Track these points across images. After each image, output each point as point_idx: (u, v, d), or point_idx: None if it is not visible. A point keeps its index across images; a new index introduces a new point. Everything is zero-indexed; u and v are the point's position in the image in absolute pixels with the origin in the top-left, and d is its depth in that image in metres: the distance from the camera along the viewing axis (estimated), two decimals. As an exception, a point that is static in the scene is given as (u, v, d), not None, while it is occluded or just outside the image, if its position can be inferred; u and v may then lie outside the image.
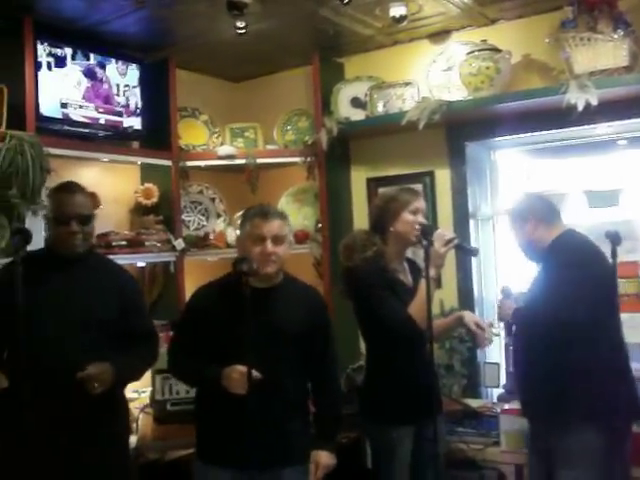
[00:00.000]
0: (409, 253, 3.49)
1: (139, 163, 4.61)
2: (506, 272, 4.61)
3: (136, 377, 3.25)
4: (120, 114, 4.38)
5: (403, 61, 4.77)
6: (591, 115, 3.85)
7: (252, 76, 5.39)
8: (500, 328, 4.28)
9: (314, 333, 3.02)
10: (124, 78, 4.41)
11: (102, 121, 4.27)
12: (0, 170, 3.55)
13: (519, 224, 3.36)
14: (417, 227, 3.21)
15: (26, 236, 2.63)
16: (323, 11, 4.09)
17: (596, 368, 3.12)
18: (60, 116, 4.02)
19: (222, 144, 4.92)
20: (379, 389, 3.34)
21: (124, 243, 4.20)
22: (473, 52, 4.24)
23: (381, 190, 4.49)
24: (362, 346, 3.87)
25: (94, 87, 4.22)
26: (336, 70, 4.98)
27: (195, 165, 4.79)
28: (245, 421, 2.67)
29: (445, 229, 3.26)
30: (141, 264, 4.50)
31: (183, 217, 4.78)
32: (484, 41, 4.29)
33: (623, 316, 3.21)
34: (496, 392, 4.37)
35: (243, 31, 3.93)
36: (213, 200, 5.04)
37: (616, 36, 3.86)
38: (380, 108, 4.63)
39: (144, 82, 4.52)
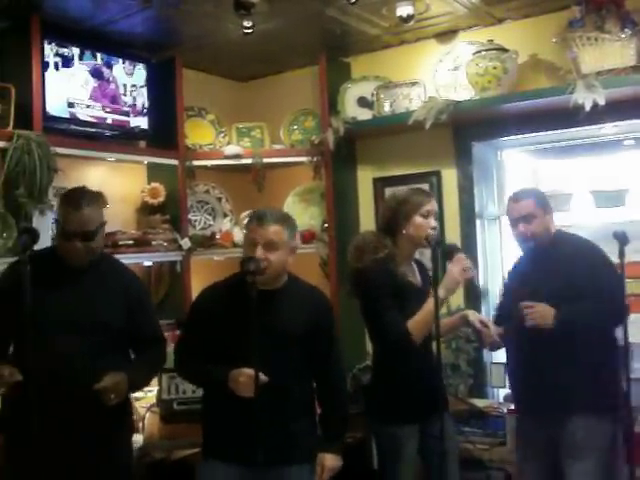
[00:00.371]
0: (416, 254, 3.48)
1: (146, 162, 4.61)
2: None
3: (147, 383, 3.27)
4: (127, 114, 4.39)
5: (410, 61, 4.77)
6: (598, 115, 3.84)
7: (259, 76, 5.40)
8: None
9: (319, 334, 3.01)
10: (131, 78, 4.42)
11: (109, 121, 4.28)
12: (7, 169, 3.56)
13: (542, 212, 3.34)
14: (431, 235, 3.23)
15: (33, 235, 2.63)
16: (330, 11, 4.09)
17: (612, 354, 3.25)
18: (67, 116, 4.03)
19: (229, 144, 4.92)
20: (385, 388, 3.34)
21: (131, 242, 4.21)
22: (480, 52, 4.24)
23: (391, 190, 4.46)
24: (369, 346, 3.88)
25: (101, 87, 4.23)
26: (343, 70, 4.98)
27: (202, 164, 4.79)
28: (251, 421, 2.68)
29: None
30: (148, 263, 4.51)
31: (189, 216, 4.78)
32: (491, 41, 4.28)
33: (630, 316, 3.20)
34: (502, 392, 4.37)
35: (250, 31, 3.93)
36: (219, 199, 5.05)
37: (623, 36, 3.85)
38: (387, 108, 4.63)
39: (151, 82, 4.53)
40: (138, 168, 4.67)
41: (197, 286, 3.89)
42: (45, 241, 3.27)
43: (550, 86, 4.15)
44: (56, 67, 3.97)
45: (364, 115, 4.75)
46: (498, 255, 4.73)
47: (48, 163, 3.66)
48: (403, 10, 4.02)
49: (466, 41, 4.55)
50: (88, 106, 4.14)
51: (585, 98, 3.77)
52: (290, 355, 2.92)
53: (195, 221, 4.91)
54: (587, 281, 3.16)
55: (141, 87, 4.49)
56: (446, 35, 4.64)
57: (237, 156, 4.76)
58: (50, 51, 3.94)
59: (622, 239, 3.02)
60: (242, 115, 5.19)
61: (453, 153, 4.63)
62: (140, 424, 3.94)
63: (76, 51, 4.08)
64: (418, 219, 3.25)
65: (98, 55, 4.22)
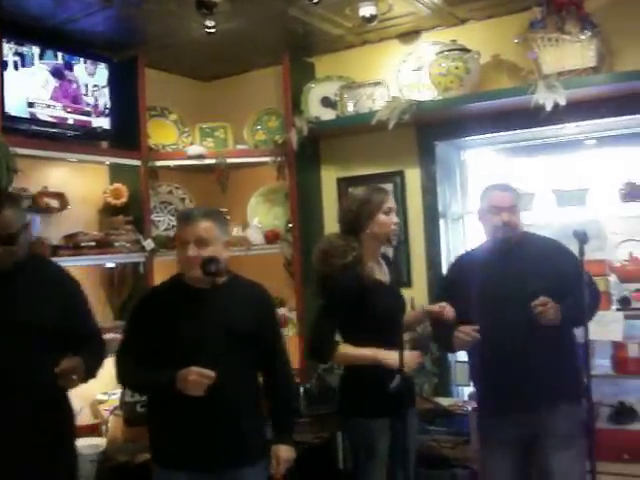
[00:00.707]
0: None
1: (108, 163, 4.56)
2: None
3: (96, 372, 3.16)
4: (89, 114, 4.34)
5: (373, 61, 4.78)
6: (559, 115, 3.89)
7: (222, 75, 5.37)
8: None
9: (263, 329, 3.02)
10: (93, 78, 4.37)
11: (70, 121, 4.23)
12: (-34, 170, 3.50)
13: (518, 207, 3.36)
14: (394, 230, 3.34)
15: None
16: (292, 11, 4.08)
17: (575, 347, 3.29)
18: (27, 116, 3.97)
19: (192, 144, 4.89)
20: (356, 383, 3.38)
21: (93, 244, 4.15)
22: (443, 52, 4.27)
23: (350, 191, 4.47)
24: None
25: (62, 87, 4.18)
26: (306, 70, 4.97)
27: (165, 165, 4.75)
28: (199, 423, 2.74)
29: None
30: (110, 265, 4.46)
31: (153, 217, 4.74)
32: (454, 41, 4.31)
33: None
34: (467, 390, 4.40)
35: (212, 30, 3.90)
36: (183, 200, 5.01)
37: (583, 37, 3.91)
38: (350, 108, 4.64)
39: (113, 82, 4.48)
40: (100, 169, 4.61)
41: (160, 287, 3.87)
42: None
43: (512, 86, 4.20)
44: (15, 66, 3.91)
45: (328, 115, 4.75)
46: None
47: (8, 164, 3.58)
48: (366, 10, 4.03)
49: (429, 41, 4.57)
50: (49, 106, 4.08)
51: (546, 98, 3.82)
52: (236, 352, 2.90)
53: (158, 222, 4.87)
54: (566, 277, 3.18)
55: (103, 87, 4.43)
56: (409, 35, 4.66)
57: (200, 156, 4.73)
58: (9, 50, 3.88)
59: (582, 238, 3.05)
60: (205, 115, 5.17)
61: (416, 153, 4.65)
62: (103, 427, 3.92)
63: (36, 50, 4.02)
64: (381, 217, 3.31)
65: (59, 54, 4.16)
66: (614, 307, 3.92)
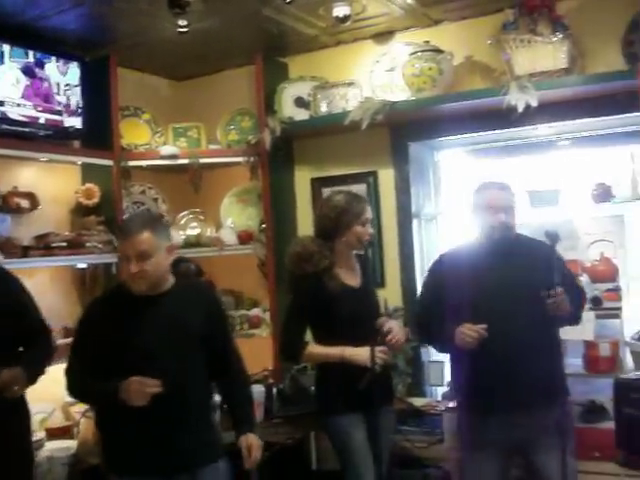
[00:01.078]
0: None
1: (80, 163, 4.51)
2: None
3: (43, 372, 3.18)
4: (60, 113, 4.29)
5: (347, 61, 4.78)
6: (531, 116, 3.91)
7: (195, 75, 5.35)
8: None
9: (213, 329, 3.02)
10: (64, 77, 4.32)
11: (42, 120, 4.18)
12: None
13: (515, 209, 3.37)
14: (367, 240, 3.42)
15: None
16: (266, 10, 4.07)
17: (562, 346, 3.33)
18: (-3, 114, 3.93)
19: (165, 144, 4.86)
20: (327, 381, 3.45)
21: (64, 244, 4.11)
22: (416, 53, 4.28)
23: (328, 191, 4.43)
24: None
25: (33, 85, 4.13)
26: (280, 70, 4.96)
27: (137, 165, 4.71)
28: (152, 428, 2.74)
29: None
30: (82, 265, 4.41)
31: (125, 217, 4.70)
32: (427, 42, 4.32)
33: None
34: (440, 390, 4.41)
35: (185, 30, 3.88)
36: (156, 200, 4.97)
37: (555, 39, 3.94)
38: (324, 108, 4.64)
39: (85, 80, 4.43)
40: (72, 169, 4.56)
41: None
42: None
43: (485, 87, 4.22)
44: (-16, 65, 3.88)
45: (301, 115, 4.74)
46: (435, 254, 4.76)
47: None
48: (340, 11, 4.03)
49: (403, 42, 4.57)
50: (19, 105, 4.03)
51: (518, 99, 3.84)
52: (188, 357, 2.90)
53: (131, 222, 4.83)
54: (560, 273, 3.17)
55: (75, 86, 4.38)
56: (383, 36, 4.66)
57: (173, 156, 4.71)
58: (-22, 48, 3.84)
59: (554, 238, 3.07)
60: (178, 115, 5.14)
61: (390, 153, 4.65)
62: (75, 430, 3.88)
63: (6, 48, 3.97)
64: (358, 228, 3.39)
65: (30, 53, 4.11)
66: (586, 307, 3.94)
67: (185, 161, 4.76)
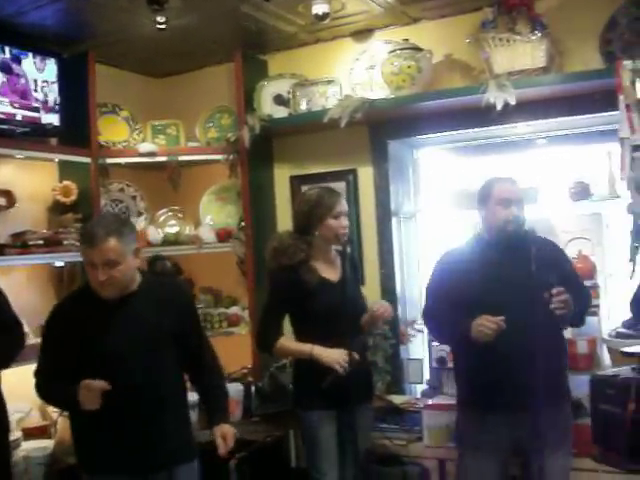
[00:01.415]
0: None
1: (57, 160, 4.48)
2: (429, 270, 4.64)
3: (7, 364, 3.21)
4: (38, 110, 4.25)
5: (326, 59, 4.78)
6: (510, 114, 3.92)
7: (174, 72, 5.32)
8: (422, 325, 4.35)
9: (184, 326, 3.02)
10: (42, 74, 4.28)
11: (19, 117, 4.13)
12: None
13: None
14: (342, 234, 3.41)
15: None
16: (245, 7, 4.06)
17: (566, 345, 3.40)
18: (-27, 111, 3.89)
19: (143, 141, 4.83)
20: (300, 377, 3.54)
21: (41, 242, 4.07)
22: (395, 51, 4.28)
23: (303, 191, 4.44)
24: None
25: (10, 82, 4.09)
26: (259, 67, 4.94)
27: (115, 162, 4.69)
28: (124, 428, 2.77)
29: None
30: (59, 263, 4.38)
31: (104, 215, 4.68)
32: (406, 40, 4.33)
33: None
34: (420, 388, 4.42)
35: (163, 26, 3.87)
36: (134, 198, 4.95)
37: (534, 37, 3.95)
38: (303, 106, 4.63)
39: (62, 77, 4.40)
40: (49, 166, 4.53)
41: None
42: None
43: (463, 86, 4.23)
44: (-40, 60, 3.84)
45: (280, 113, 4.73)
46: (414, 252, 4.79)
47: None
48: (319, 8, 4.03)
49: (382, 40, 4.57)
50: (-5, 101, 4.01)
51: (497, 98, 3.85)
52: (160, 354, 2.91)
53: (109, 220, 4.80)
54: (566, 275, 3.24)
55: (52, 83, 4.35)
56: (362, 34, 4.66)
57: (152, 154, 4.68)
58: (-46, 44, 3.80)
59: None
60: (157, 112, 5.10)
61: (369, 151, 4.65)
62: (52, 429, 3.86)
63: (-18, 44, 3.95)
64: (330, 221, 3.41)
65: (6, 49, 4.06)
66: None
67: (164, 158, 4.74)
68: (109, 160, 4.62)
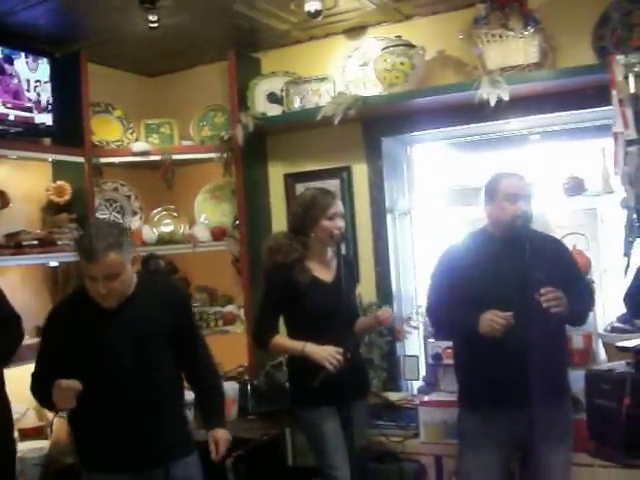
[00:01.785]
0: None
1: (50, 160, 4.47)
2: (424, 266, 4.65)
3: (7, 361, 3.24)
4: (30, 110, 4.24)
5: (319, 56, 4.77)
6: (503, 110, 3.92)
7: (168, 71, 5.31)
8: (419, 322, 4.36)
9: (181, 326, 3.03)
10: (34, 73, 4.27)
11: (12, 117, 4.12)
12: None
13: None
14: (337, 235, 3.42)
15: None
16: (237, 5, 4.06)
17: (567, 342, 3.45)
18: (-35, 111, 3.88)
19: (137, 140, 4.83)
20: (296, 375, 3.54)
21: (35, 242, 4.07)
22: (388, 48, 4.27)
23: (302, 187, 4.46)
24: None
25: (3, 82, 4.08)
26: (252, 65, 4.93)
27: (109, 162, 4.68)
28: (123, 426, 2.80)
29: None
30: (54, 264, 4.38)
31: (98, 215, 4.66)
32: (398, 37, 4.32)
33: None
34: (416, 384, 4.42)
35: (156, 25, 3.86)
36: (128, 197, 4.95)
37: (526, 33, 3.95)
38: (296, 103, 4.63)
39: (55, 77, 4.39)
40: (43, 166, 4.52)
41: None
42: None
43: (457, 82, 4.22)
44: (-48, 61, 3.82)
45: (274, 111, 4.72)
46: (409, 249, 4.79)
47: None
48: (311, 6, 4.02)
49: (375, 37, 4.57)
50: (-12, 102, 4.00)
51: (490, 93, 3.85)
52: (157, 354, 2.93)
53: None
54: (569, 271, 3.28)
55: (45, 83, 4.33)
56: (355, 31, 4.66)
57: (145, 153, 4.68)
58: (-55, 44, 3.79)
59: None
60: (151, 111, 5.09)
61: (363, 148, 4.65)
62: (48, 430, 3.85)
63: (-26, 44, 3.94)
64: (325, 222, 3.43)
65: (-2, 49, 4.08)
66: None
67: (158, 158, 4.73)
68: (103, 160, 4.61)
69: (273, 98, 4.77)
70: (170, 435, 2.91)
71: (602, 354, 3.96)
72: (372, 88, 4.46)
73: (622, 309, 3.74)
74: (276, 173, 4.96)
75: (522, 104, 4.00)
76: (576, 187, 4.12)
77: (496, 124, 4.24)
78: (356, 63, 4.61)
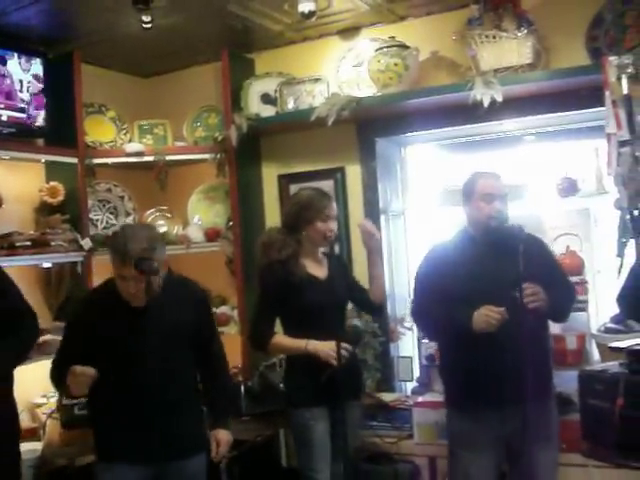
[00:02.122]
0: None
1: (43, 161, 4.45)
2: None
3: (21, 359, 3.20)
4: (23, 110, 4.24)
5: (313, 57, 4.77)
6: (497, 111, 3.93)
7: (161, 72, 5.30)
8: (412, 323, 4.36)
9: (202, 328, 3.13)
10: (27, 74, 4.26)
11: (4, 118, 4.11)
12: None
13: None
14: (329, 237, 3.46)
15: None
16: (231, 6, 4.06)
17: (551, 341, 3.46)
18: (-43, 112, 3.87)
19: (130, 141, 4.82)
20: (292, 374, 3.55)
21: (28, 243, 4.05)
22: (381, 48, 4.28)
23: (296, 187, 4.43)
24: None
25: (-5, 82, 4.08)
26: (246, 66, 4.93)
27: (102, 162, 4.66)
28: (144, 419, 2.87)
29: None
30: (47, 265, 4.36)
31: (91, 216, 4.65)
32: (392, 38, 4.32)
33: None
34: (410, 385, 4.42)
35: (149, 26, 3.85)
36: (122, 198, 4.93)
37: (520, 34, 3.96)
38: (290, 104, 4.62)
39: (48, 77, 4.38)
40: (36, 166, 4.50)
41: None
42: None
43: (450, 83, 4.22)
44: (-56, 61, 3.81)
45: (268, 111, 4.72)
46: (403, 250, 4.79)
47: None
48: (305, 6, 4.00)
49: (368, 38, 4.57)
50: (-19, 102, 3.98)
51: (483, 94, 3.86)
52: (179, 354, 3.01)
53: (97, 221, 4.78)
54: (549, 269, 3.29)
55: (38, 83, 4.32)
56: (349, 32, 4.66)
57: (139, 153, 4.66)
58: (-62, 45, 3.78)
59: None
60: (144, 112, 5.09)
61: (357, 149, 4.65)
62: (41, 431, 3.84)
63: (-34, 44, 3.92)
64: (319, 224, 3.45)
65: (-9, 49, 4.06)
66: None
67: (151, 158, 4.72)
68: (96, 160, 4.59)
69: (267, 99, 4.77)
70: (188, 432, 3.01)
71: (595, 355, 3.97)
72: (366, 89, 4.46)
73: (615, 310, 3.74)
74: (270, 174, 4.95)
75: (516, 105, 4.00)
76: (569, 188, 4.13)
77: (490, 125, 4.25)
78: (350, 64, 4.61)
